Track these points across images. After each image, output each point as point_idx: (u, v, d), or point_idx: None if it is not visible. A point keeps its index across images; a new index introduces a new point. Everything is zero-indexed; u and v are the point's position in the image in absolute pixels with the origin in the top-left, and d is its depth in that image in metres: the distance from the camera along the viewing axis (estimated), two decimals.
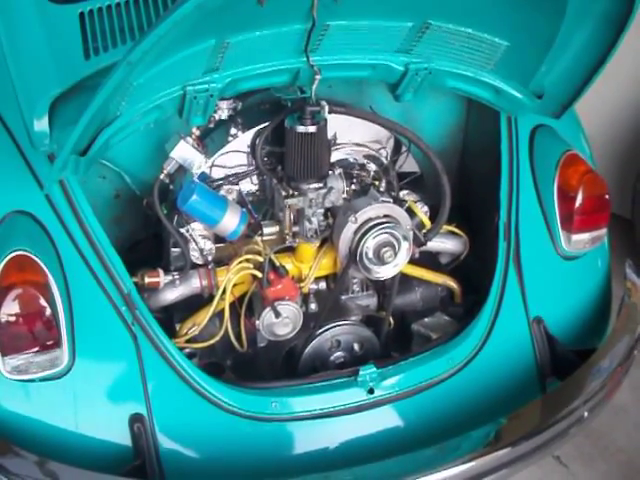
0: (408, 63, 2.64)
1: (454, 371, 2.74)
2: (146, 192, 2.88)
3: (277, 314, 2.66)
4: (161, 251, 2.92)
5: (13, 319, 2.31)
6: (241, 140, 2.81)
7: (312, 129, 2.60)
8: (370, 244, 2.65)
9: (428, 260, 3.09)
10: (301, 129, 2.60)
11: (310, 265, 2.82)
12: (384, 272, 2.73)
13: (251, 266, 2.70)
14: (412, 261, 2.84)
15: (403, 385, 2.68)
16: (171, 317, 2.83)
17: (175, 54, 2.23)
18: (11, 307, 2.30)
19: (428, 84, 2.73)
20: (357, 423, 2.64)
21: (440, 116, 3.27)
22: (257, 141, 2.74)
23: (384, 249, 2.65)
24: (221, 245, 2.84)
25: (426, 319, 3.01)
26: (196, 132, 2.74)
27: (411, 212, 2.83)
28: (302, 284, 2.82)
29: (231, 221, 2.68)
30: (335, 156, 2.89)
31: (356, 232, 2.66)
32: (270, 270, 2.67)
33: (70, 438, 2.44)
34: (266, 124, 2.74)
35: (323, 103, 2.59)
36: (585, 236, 2.93)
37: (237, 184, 2.84)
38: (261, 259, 2.69)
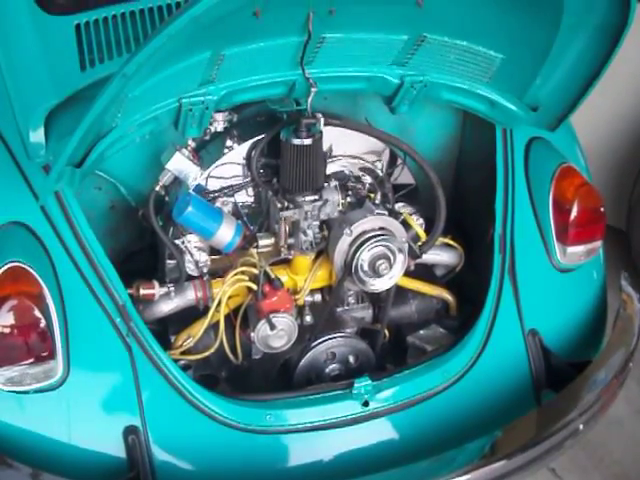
0: (403, 76, 2.65)
1: (449, 383, 2.74)
2: (142, 203, 2.88)
3: (272, 326, 2.65)
4: (156, 263, 2.92)
5: (7, 330, 2.30)
6: (237, 152, 2.81)
7: (307, 141, 2.61)
8: (365, 256, 2.65)
9: (423, 272, 3.09)
10: (297, 141, 2.61)
11: (305, 277, 2.82)
12: (379, 284, 2.73)
13: (246, 278, 2.70)
14: (407, 273, 2.84)
15: (398, 398, 2.68)
16: (166, 329, 2.83)
17: (171, 66, 2.24)
18: (5, 318, 2.30)
19: (423, 97, 2.74)
20: (352, 436, 2.64)
21: (435, 128, 3.27)
22: (253, 153, 2.75)
23: (379, 261, 2.65)
24: (216, 257, 2.84)
25: (421, 331, 3.00)
26: (192, 144, 2.75)
27: (406, 224, 2.84)
28: (297, 296, 2.82)
29: (226, 233, 2.68)
30: (330, 168, 2.90)
31: (351, 244, 2.67)
32: (265, 282, 2.66)
33: (64, 450, 2.43)
34: (262, 136, 2.75)
35: (318, 115, 2.60)
36: (580, 248, 2.93)
37: (233, 196, 2.85)
38: (256, 271, 2.69)
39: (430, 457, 2.48)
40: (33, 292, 2.35)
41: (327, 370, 2.84)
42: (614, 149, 4.80)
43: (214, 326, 2.75)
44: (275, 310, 2.67)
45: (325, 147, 2.78)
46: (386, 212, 2.77)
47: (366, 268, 2.67)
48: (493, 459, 2.46)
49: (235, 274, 2.70)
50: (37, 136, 2.36)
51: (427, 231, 2.90)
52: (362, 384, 2.64)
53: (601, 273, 3.12)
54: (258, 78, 2.50)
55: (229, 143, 2.81)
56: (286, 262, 2.82)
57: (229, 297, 2.72)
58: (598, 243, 2.98)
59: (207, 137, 2.85)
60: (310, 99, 2.54)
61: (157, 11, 2.69)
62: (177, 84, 2.38)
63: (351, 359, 2.87)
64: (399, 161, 3.14)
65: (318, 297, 2.92)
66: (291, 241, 2.74)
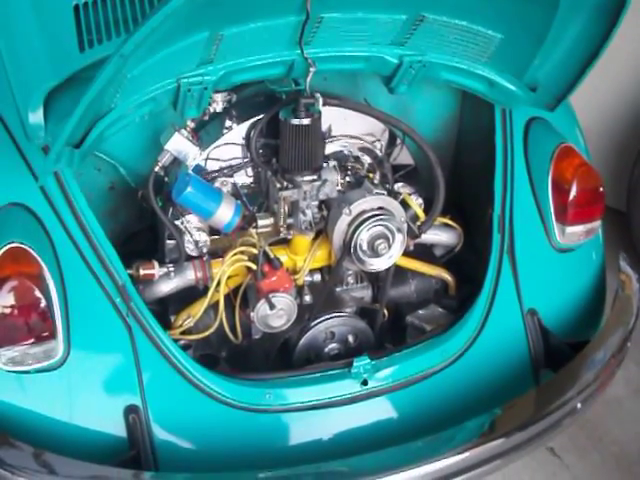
0: (402, 55, 2.64)
1: (448, 363, 2.75)
2: (141, 184, 2.89)
3: (271, 306, 2.66)
4: (156, 243, 2.93)
5: (8, 311, 2.32)
6: (236, 132, 2.81)
7: (306, 121, 2.61)
8: (364, 236, 2.65)
9: (422, 252, 3.09)
10: (295, 121, 2.61)
11: (305, 257, 2.82)
12: (378, 264, 2.74)
13: (246, 258, 2.71)
14: (406, 253, 2.85)
15: (397, 377, 2.69)
16: (166, 309, 2.84)
17: (169, 46, 2.23)
18: (6, 299, 2.31)
19: (422, 77, 2.73)
20: (351, 414, 2.65)
21: (434, 109, 3.26)
22: (252, 133, 2.75)
23: (378, 241, 2.66)
24: (216, 237, 2.84)
25: (420, 311, 3.01)
26: (191, 124, 2.75)
27: (405, 204, 2.84)
28: (296, 276, 2.82)
29: (225, 213, 2.68)
30: (329, 148, 2.90)
31: (350, 224, 2.67)
32: (264, 262, 2.67)
33: (65, 429, 2.45)
34: (261, 116, 2.74)
35: (317, 95, 2.60)
36: (579, 228, 2.93)
37: (232, 176, 2.85)
38: (256, 251, 2.69)
39: (429, 435, 2.49)
40: (33, 272, 2.36)
41: (326, 349, 2.85)
42: (614, 130, 4.81)
43: (214, 306, 2.75)
44: (274, 290, 2.67)
45: (324, 127, 2.78)
46: (385, 192, 2.77)
47: (365, 248, 2.67)
48: (492, 437, 2.47)
49: (234, 254, 2.71)
50: (36, 117, 2.35)
51: (426, 211, 2.90)
52: (361, 363, 2.64)
53: (600, 253, 3.12)
54: (257, 58, 2.50)
55: (228, 123, 2.81)
56: (285, 242, 2.82)
57: (229, 277, 2.73)
58: (597, 223, 2.98)
59: (206, 117, 2.84)
60: (308, 79, 2.54)
61: None
62: (175, 64, 2.38)
63: (350, 338, 2.87)
64: (398, 141, 3.13)
65: (317, 277, 2.94)
66: (290, 221, 2.74)
